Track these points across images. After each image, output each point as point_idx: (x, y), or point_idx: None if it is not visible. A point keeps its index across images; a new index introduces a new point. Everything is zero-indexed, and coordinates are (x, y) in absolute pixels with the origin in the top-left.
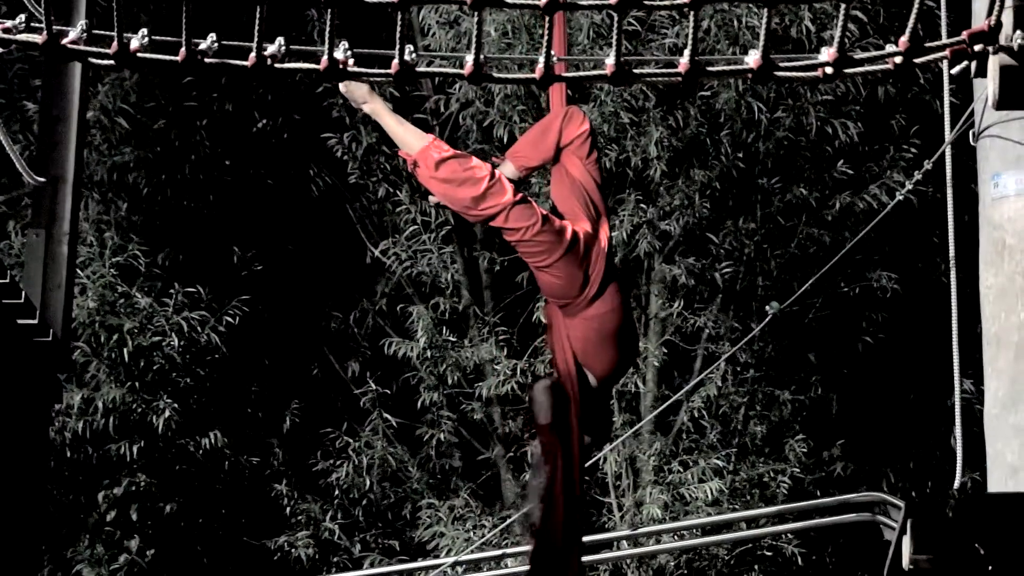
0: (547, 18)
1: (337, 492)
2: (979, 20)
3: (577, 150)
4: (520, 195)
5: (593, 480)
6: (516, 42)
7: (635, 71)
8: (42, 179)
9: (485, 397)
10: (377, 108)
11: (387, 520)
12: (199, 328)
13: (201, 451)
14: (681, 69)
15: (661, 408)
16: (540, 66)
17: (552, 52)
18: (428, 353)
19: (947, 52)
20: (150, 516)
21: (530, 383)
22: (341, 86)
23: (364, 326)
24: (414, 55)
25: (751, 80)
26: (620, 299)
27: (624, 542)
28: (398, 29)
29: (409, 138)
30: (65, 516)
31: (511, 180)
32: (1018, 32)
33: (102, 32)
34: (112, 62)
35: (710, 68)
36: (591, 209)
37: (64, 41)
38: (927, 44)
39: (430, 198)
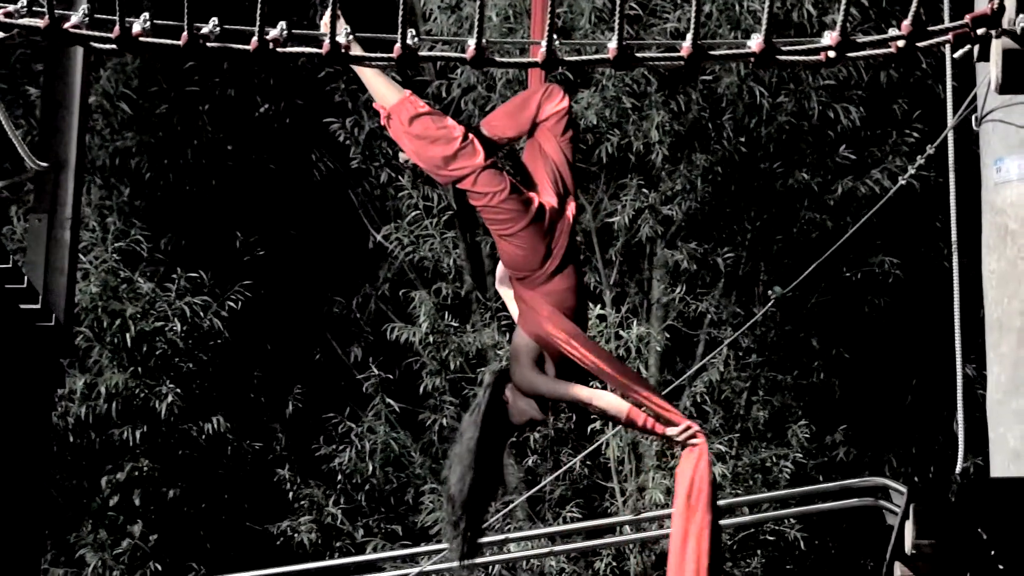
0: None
1: (340, 477)
2: (982, 4)
3: (553, 127)
4: (491, 160)
5: (596, 465)
6: (518, 26)
7: (637, 55)
8: (44, 164)
9: None
10: (354, 52)
11: (390, 505)
12: (201, 313)
13: (204, 436)
14: (684, 53)
15: (663, 393)
16: (543, 50)
17: (554, 36)
18: (430, 338)
19: (950, 36)
20: (153, 501)
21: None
22: (323, 21)
23: (366, 311)
24: (416, 39)
25: (754, 64)
26: (577, 279)
27: (627, 527)
28: (400, 13)
29: (385, 91)
30: (68, 501)
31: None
32: (1021, 15)
33: (104, 16)
34: (114, 46)
35: (713, 52)
36: (559, 185)
37: (66, 25)
38: (930, 28)
39: (401, 155)
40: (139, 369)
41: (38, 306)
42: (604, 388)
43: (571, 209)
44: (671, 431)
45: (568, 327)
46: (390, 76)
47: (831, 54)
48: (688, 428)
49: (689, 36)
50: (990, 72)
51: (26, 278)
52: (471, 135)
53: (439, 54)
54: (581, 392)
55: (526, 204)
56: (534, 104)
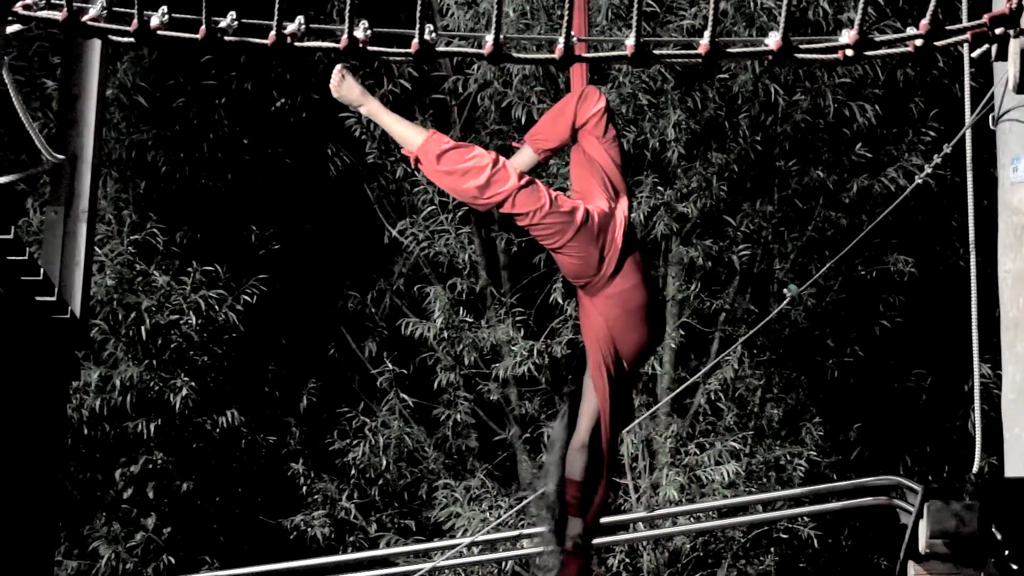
0: None
1: (353, 472)
2: (1000, 3)
3: (593, 129)
4: (525, 179)
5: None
6: (535, 23)
7: (655, 52)
8: (61, 157)
9: (502, 378)
10: (373, 108)
11: (403, 500)
12: (216, 307)
13: (218, 429)
14: (701, 50)
15: (678, 390)
16: (560, 46)
17: (572, 32)
18: (445, 333)
19: (968, 35)
20: (167, 494)
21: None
22: (333, 90)
23: (381, 306)
24: (434, 35)
25: (771, 62)
26: (642, 275)
27: (640, 524)
28: (418, 8)
29: (409, 134)
30: (82, 493)
31: (534, 162)
32: None
33: (122, 10)
34: (132, 39)
35: (730, 50)
36: (609, 188)
37: (84, 18)
38: (948, 27)
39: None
40: (154, 362)
41: (54, 298)
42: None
43: (622, 209)
44: None
45: (603, 352)
46: (412, 120)
47: (849, 52)
48: None
49: (707, 34)
50: (1008, 71)
51: (42, 270)
52: (501, 159)
53: (456, 50)
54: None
55: (570, 214)
56: (570, 110)
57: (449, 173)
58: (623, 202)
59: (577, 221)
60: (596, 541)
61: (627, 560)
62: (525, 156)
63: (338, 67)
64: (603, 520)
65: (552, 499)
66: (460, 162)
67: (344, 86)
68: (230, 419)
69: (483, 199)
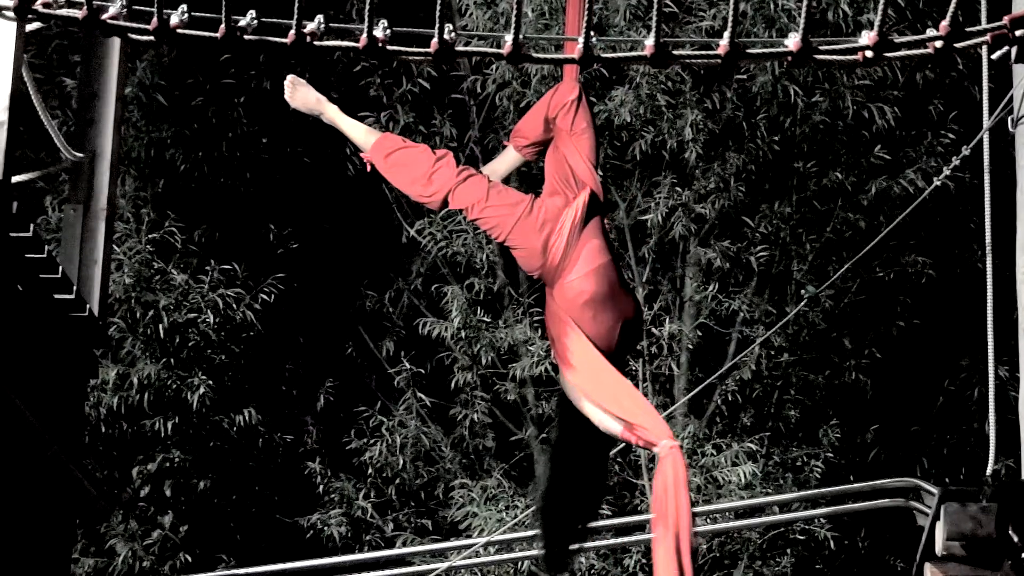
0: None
1: (370, 471)
2: (1020, 5)
3: (561, 122)
4: (466, 173)
5: (626, 462)
6: (553, 23)
7: (674, 53)
8: (80, 155)
9: (519, 378)
10: (330, 113)
11: (420, 499)
12: (234, 305)
13: (235, 428)
14: (720, 51)
15: (695, 391)
16: (580, 46)
17: (591, 33)
18: (462, 333)
19: (988, 37)
20: (184, 492)
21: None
22: (288, 100)
23: (399, 306)
24: (453, 34)
25: (790, 63)
26: (602, 261)
27: None
28: (437, 8)
29: (363, 137)
30: (99, 491)
31: (518, 161)
32: None
33: (141, 8)
34: (151, 38)
35: (749, 51)
36: (571, 181)
37: (104, 17)
38: (967, 29)
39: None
40: (171, 360)
41: (72, 296)
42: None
43: (581, 199)
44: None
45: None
46: (368, 124)
47: (868, 54)
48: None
49: (726, 35)
50: None
51: (60, 268)
52: (446, 157)
53: (476, 49)
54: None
55: (512, 207)
56: (545, 104)
57: (395, 168)
58: (583, 193)
59: (517, 213)
60: (613, 541)
61: (644, 560)
62: (508, 155)
63: (289, 78)
64: (618, 521)
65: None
66: (406, 161)
67: (298, 96)
68: (247, 418)
69: (428, 196)
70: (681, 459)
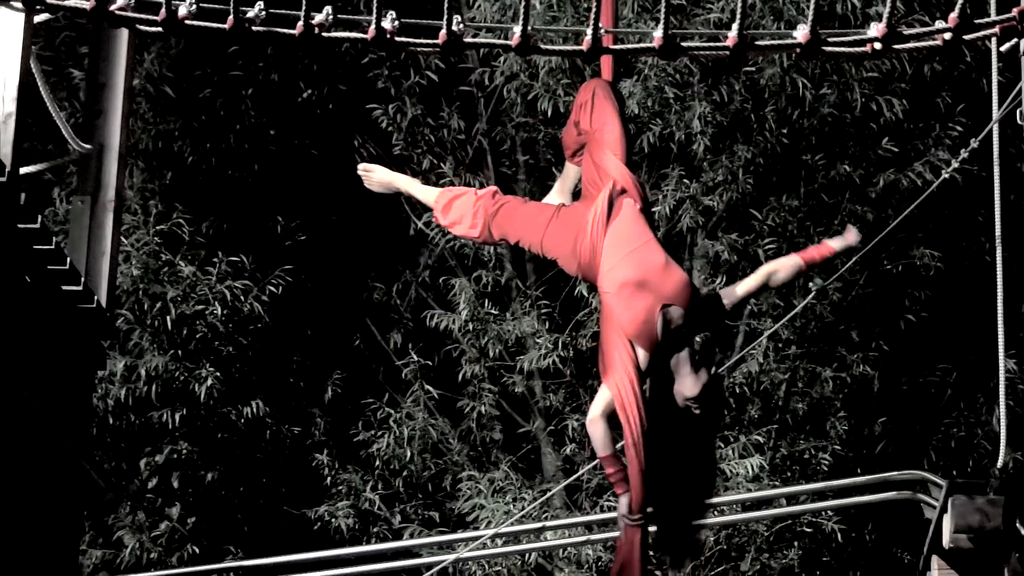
0: None
1: (378, 463)
2: None
3: (584, 122)
4: (496, 205)
5: None
6: (561, 14)
7: (682, 44)
8: (88, 146)
9: (526, 370)
10: (403, 185)
11: (427, 492)
12: (242, 297)
13: (243, 420)
14: (729, 43)
15: (703, 384)
16: (588, 38)
17: (600, 24)
18: (470, 325)
19: (996, 29)
20: (191, 484)
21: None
22: (365, 183)
23: (406, 298)
24: (461, 26)
25: (799, 55)
26: (634, 246)
27: None
28: (445, 0)
29: (432, 198)
30: (107, 483)
31: (576, 173)
32: None
33: None
34: (160, 29)
35: (758, 42)
36: (596, 178)
37: (112, 8)
38: (976, 21)
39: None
40: (179, 352)
41: (80, 288)
42: None
43: (601, 195)
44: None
45: (615, 343)
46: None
47: (877, 46)
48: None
49: (735, 26)
50: None
51: (68, 260)
52: (487, 192)
53: (484, 41)
54: None
55: (535, 219)
56: (574, 110)
57: (451, 222)
58: (605, 187)
59: (542, 225)
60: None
61: (651, 553)
62: (567, 170)
63: (361, 166)
64: None
65: None
66: (454, 207)
67: (374, 180)
68: (255, 409)
69: (476, 236)
70: (637, 539)
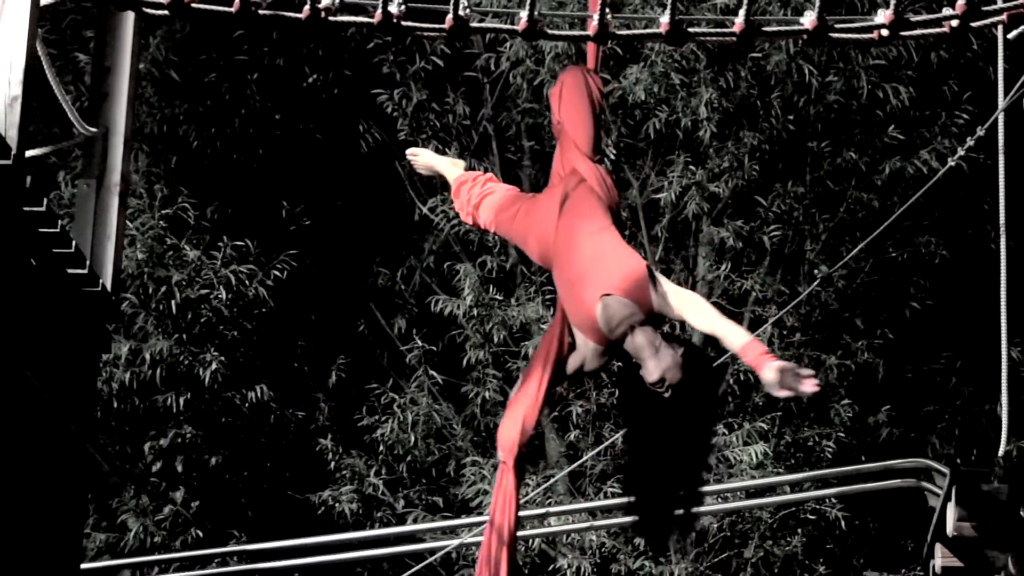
0: None
1: (382, 448)
2: None
3: (555, 113)
4: (481, 195)
5: None
6: (567, 0)
7: (689, 30)
8: (93, 130)
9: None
10: (441, 168)
11: (431, 477)
12: (247, 281)
13: (247, 404)
14: (736, 29)
15: (708, 371)
16: (594, 23)
17: (607, 10)
18: (475, 311)
19: (1004, 16)
20: (195, 468)
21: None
22: (414, 166)
23: (411, 283)
24: (468, 11)
25: (806, 42)
26: (571, 242)
27: None
28: None
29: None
30: (112, 466)
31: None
32: None
33: None
34: (166, 12)
35: (765, 29)
36: (560, 169)
37: None
38: (984, 8)
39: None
40: (184, 336)
41: (85, 271)
42: None
43: (560, 186)
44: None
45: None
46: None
47: (884, 32)
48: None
49: (741, 12)
50: None
51: (73, 243)
52: (479, 177)
53: (491, 26)
54: None
55: (506, 210)
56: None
57: (456, 202)
58: (566, 179)
59: (511, 217)
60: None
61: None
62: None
63: (410, 150)
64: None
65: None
66: (458, 193)
67: (421, 161)
68: (259, 394)
69: (470, 222)
70: (513, 474)
